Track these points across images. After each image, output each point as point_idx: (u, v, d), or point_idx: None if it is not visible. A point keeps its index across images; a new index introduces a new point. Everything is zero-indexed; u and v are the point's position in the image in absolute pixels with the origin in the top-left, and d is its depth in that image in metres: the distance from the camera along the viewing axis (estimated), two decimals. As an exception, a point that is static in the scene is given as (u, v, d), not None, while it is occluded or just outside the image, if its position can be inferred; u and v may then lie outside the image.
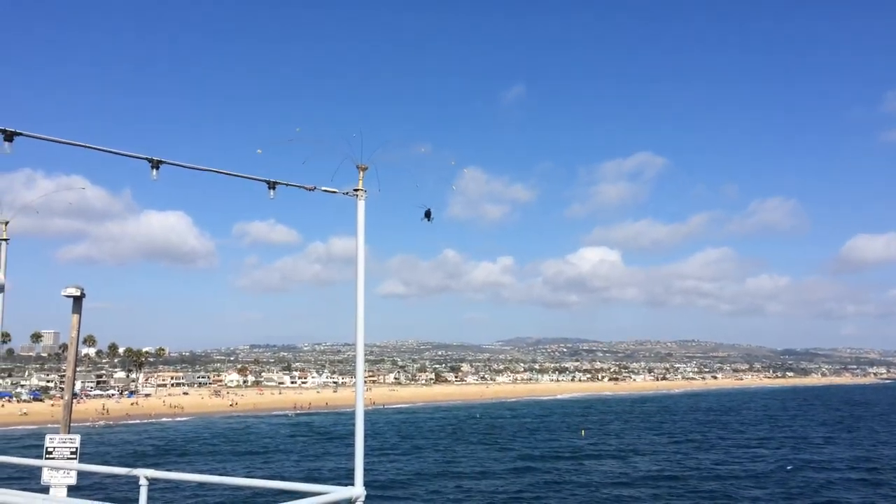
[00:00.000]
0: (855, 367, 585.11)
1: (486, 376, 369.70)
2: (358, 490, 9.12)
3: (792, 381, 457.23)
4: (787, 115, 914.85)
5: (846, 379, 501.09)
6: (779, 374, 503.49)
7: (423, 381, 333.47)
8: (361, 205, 10.68)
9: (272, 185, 10.07)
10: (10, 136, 7.70)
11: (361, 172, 10.64)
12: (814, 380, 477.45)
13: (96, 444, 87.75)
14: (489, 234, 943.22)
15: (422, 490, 53.50)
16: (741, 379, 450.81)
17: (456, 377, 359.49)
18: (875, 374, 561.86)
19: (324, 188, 10.48)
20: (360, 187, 10.64)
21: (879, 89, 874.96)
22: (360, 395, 10.88)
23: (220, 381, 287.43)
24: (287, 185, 10.22)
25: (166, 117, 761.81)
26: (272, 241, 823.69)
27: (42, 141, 8.47)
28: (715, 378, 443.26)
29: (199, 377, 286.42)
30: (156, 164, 8.64)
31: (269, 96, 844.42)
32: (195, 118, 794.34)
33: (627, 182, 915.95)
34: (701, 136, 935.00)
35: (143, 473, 9.90)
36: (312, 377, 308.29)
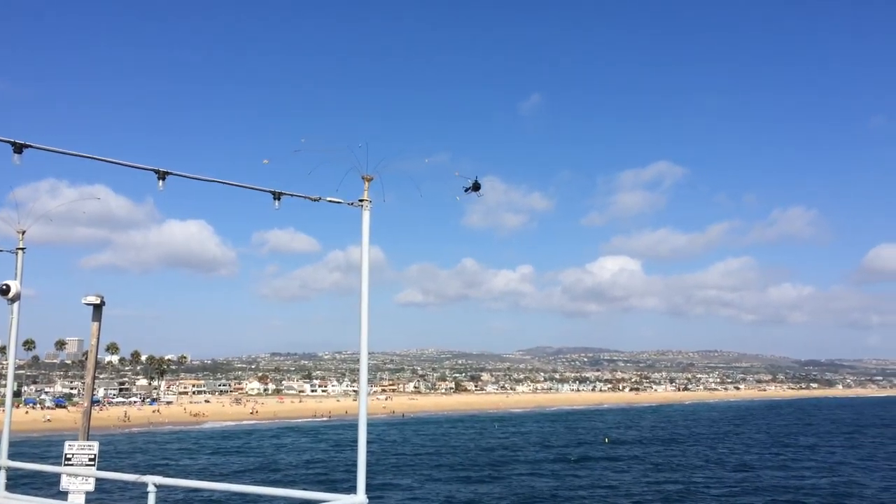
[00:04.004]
0: (881, 378, 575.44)
1: (506, 385, 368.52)
2: (360, 498, 9.21)
3: (816, 392, 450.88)
4: (807, 124, 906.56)
5: (871, 391, 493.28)
6: (802, 385, 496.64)
7: (443, 391, 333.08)
8: (366, 215, 10.80)
9: (277, 196, 10.23)
10: (19, 148, 7.93)
11: (367, 183, 10.76)
12: (837, 391, 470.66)
13: (116, 451, 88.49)
14: (508, 243, 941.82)
15: (426, 499, 53.44)
16: (764, 390, 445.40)
17: (476, 386, 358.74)
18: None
19: (329, 199, 10.61)
20: (365, 198, 10.76)
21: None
22: (363, 404, 10.95)
23: (241, 388, 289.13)
24: (292, 195, 10.38)
25: (176, 129, 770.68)
26: (292, 250, 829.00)
27: (55, 152, 8.71)
28: (738, 389, 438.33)
29: (220, 385, 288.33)
30: (162, 176, 8.82)
31: (284, 108, 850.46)
32: (205, 129, 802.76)
33: (646, 191, 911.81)
34: (720, 145, 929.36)
35: (152, 480, 10.10)
36: (333, 385, 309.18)
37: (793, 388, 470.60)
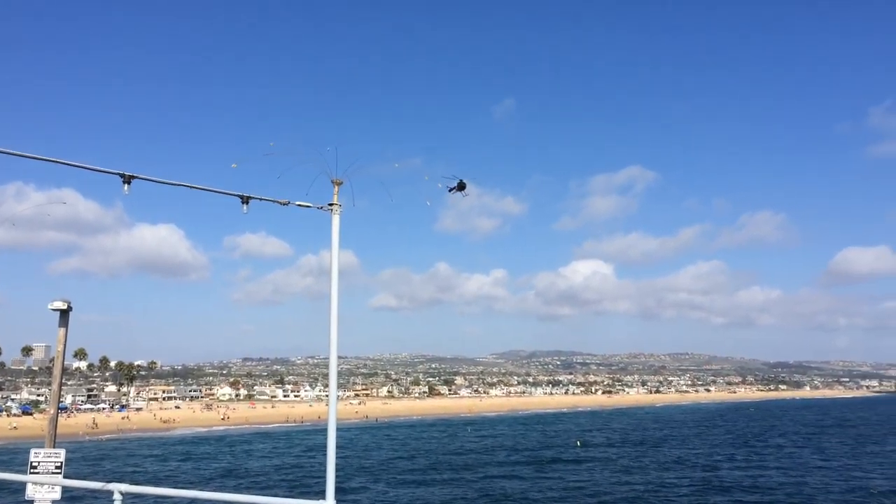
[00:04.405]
0: (847, 379, 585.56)
1: (479, 389, 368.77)
2: (329, 503, 9.18)
3: (784, 393, 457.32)
4: (775, 130, 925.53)
5: (838, 392, 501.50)
6: (771, 386, 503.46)
7: (417, 395, 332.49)
8: (336, 219, 10.80)
9: (245, 200, 10.17)
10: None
11: (336, 187, 10.76)
12: (806, 393, 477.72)
13: (84, 459, 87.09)
14: (481, 247, 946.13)
15: (398, 502, 53.38)
16: (734, 392, 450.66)
17: (450, 390, 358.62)
18: (867, 386, 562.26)
19: (298, 203, 10.59)
20: (335, 202, 10.75)
21: (864, 104, 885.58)
22: (332, 408, 10.93)
23: (213, 394, 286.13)
24: (261, 199, 10.34)
25: (143, 133, 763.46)
26: (264, 254, 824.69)
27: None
28: (708, 391, 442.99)
29: (190, 391, 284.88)
30: (127, 179, 8.73)
31: (254, 111, 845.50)
32: (172, 133, 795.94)
33: (618, 195, 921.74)
34: (691, 150, 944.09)
35: (118, 488, 9.99)
36: (305, 390, 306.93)
37: (762, 390, 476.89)
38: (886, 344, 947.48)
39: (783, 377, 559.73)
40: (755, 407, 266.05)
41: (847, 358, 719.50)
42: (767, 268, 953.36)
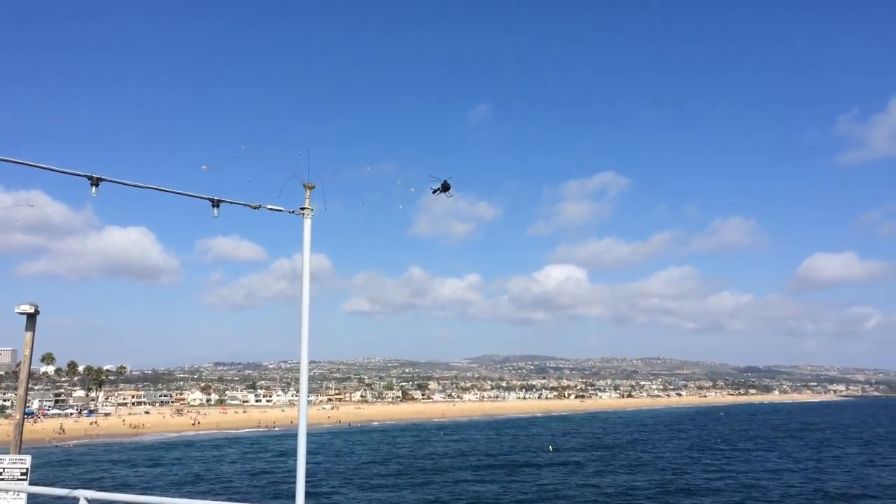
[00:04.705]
0: (815, 384, 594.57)
1: (453, 394, 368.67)
2: (299, 508, 9.14)
3: (754, 398, 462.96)
4: (746, 137, 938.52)
5: (806, 396, 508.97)
6: (741, 391, 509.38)
7: (390, 399, 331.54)
8: (308, 223, 10.78)
9: (216, 203, 10.11)
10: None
11: (308, 191, 10.74)
12: (775, 397, 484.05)
13: (50, 465, 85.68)
14: (455, 252, 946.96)
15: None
16: (705, 396, 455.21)
17: (423, 395, 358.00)
18: (835, 391, 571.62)
19: (269, 206, 10.56)
20: (306, 206, 10.74)
21: (832, 112, 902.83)
22: (303, 413, 10.90)
23: (183, 399, 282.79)
24: (231, 202, 10.29)
25: (114, 135, 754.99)
26: (237, 258, 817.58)
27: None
28: (679, 395, 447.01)
29: (161, 396, 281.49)
30: (95, 182, 8.63)
31: (226, 114, 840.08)
32: (145, 135, 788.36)
33: (591, 201, 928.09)
34: (663, 157, 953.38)
35: (84, 495, 9.87)
36: (278, 395, 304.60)
37: (732, 395, 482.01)
38: (853, 349, 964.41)
39: (753, 382, 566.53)
40: (725, 411, 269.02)
41: (815, 362, 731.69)
42: (738, 273, 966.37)
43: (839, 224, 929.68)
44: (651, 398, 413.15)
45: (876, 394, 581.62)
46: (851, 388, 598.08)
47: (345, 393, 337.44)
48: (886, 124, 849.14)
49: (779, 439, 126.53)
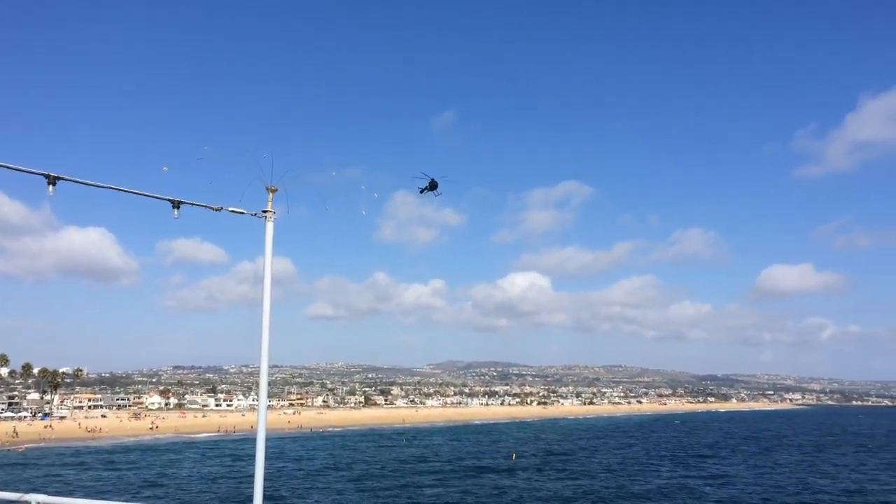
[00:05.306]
0: (772, 392, 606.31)
1: (416, 400, 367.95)
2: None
3: (713, 405, 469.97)
4: (707, 149, 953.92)
5: (763, 404, 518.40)
6: (700, 398, 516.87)
7: (353, 405, 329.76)
8: (270, 226, 10.71)
9: (176, 205, 10.00)
10: None
11: (271, 194, 10.68)
12: (732, 405, 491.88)
13: (1, 468, 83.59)
14: (420, 258, 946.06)
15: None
16: (665, 404, 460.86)
17: (386, 400, 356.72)
18: (791, 399, 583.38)
19: (231, 209, 10.47)
20: (269, 209, 10.67)
21: (791, 127, 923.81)
22: (262, 416, 10.82)
23: (141, 403, 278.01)
24: (192, 204, 10.18)
25: (74, 134, 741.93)
26: (198, 260, 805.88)
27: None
28: (640, 402, 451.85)
29: (118, 399, 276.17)
30: (52, 181, 8.50)
31: (189, 115, 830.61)
32: (103, 134, 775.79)
33: (555, 210, 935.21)
34: (626, 166, 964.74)
35: (35, 499, 9.68)
36: (238, 399, 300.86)
37: (691, 402, 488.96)
38: (809, 359, 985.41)
39: (711, 390, 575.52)
40: (681, 419, 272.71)
41: (772, 371, 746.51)
42: (698, 283, 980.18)
43: (796, 236, 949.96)
44: (612, 405, 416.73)
45: (830, 402, 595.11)
46: (807, 396, 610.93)
47: (307, 398, 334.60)
48: (843, 140, 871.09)
49: (729, 447, 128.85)
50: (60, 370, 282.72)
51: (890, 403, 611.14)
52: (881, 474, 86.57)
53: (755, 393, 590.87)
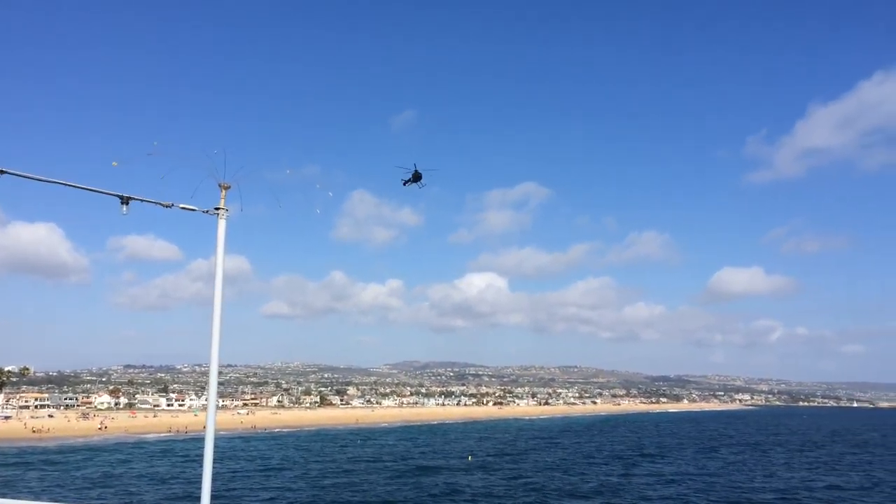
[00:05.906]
0: (722, 393, 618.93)
1: (372, 400, 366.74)
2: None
3: (665, 406, 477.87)
4: (660, 153, 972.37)
5: (714, 405, 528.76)
6: (653, 399, 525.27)
7: (308, 405, 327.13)
8: (223, 224, 10.63)
9: (125, 200, 9.85)
10: None
11: (223, 191, 10.60)
12: (684, 405, 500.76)
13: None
14: (377, 257, 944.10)
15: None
16: (619, 404, 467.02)
17: (341, 400, 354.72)
18: (740, 400, 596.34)
19: (182, 205, 10.36)
20: (221, 206, 10.59)
21: (742, 133, 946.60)
22: (211, 415, 10.74)
23: (90, 402, 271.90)
24: (142, 200, 10.05)
25: (18, 125, 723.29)
26: (151, 257, 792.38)
27: None
28: (595, 403, 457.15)
29: (66, 399, 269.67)
30: (-5, 174, 8.32)
31: (142, 109, 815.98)
32: (49, 127, 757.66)
33: (513, 210, 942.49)
34: (584, 169, 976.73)
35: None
36: (191, 399, 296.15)
37: (644, 403, 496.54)
38: (758, 360, 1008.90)
39: (664, 390, 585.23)
40: (632, 420, 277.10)
41: (722, 373, 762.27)
42: (652, 285, 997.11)
43: (747, 240, 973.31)
44: (567, 406, 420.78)
45: (778, 403, 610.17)
46: (756, 397, 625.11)
47: (261, 398, 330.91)
48: (792, 146, 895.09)
49: (673, 447, 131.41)
50: (6, 368, 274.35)
51: (835, 404, 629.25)
52: (810, 473, 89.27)
53: (706, 394, 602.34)
